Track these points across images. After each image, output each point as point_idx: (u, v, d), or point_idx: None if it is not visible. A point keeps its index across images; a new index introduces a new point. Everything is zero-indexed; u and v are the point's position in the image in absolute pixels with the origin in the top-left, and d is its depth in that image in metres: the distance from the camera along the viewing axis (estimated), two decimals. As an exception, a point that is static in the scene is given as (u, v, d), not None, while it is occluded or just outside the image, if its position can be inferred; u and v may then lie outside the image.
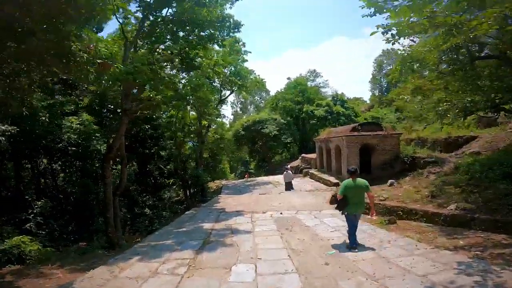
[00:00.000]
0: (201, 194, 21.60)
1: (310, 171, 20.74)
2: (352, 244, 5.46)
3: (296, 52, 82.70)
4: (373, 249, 5.26)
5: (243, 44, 24.07)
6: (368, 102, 47.26)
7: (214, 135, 24.32)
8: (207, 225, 8.26)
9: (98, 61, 5.83)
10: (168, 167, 20.26)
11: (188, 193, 20.91)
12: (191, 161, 23.13)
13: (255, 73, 26.66)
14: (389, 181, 12.77)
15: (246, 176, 30.57)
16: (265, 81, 26.40)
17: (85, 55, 5.39)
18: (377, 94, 49.49)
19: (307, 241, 6.01)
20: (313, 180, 18.85)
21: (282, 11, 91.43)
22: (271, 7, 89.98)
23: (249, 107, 62.95)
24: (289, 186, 15.29)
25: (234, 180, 32.02)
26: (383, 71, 48.32)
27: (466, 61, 10.40)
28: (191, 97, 11.38)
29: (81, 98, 16.53)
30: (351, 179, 5.67)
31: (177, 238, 6.93)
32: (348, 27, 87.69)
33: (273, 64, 78.89)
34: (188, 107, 21.48)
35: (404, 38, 12.84)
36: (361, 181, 5.68)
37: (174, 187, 23.67)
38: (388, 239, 5.75)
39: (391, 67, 47.62)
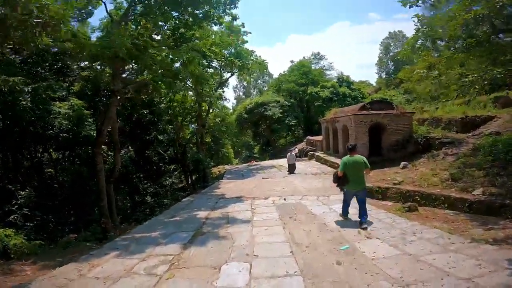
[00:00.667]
0: (202, 179, 20.97)
1: (316, 154, 19.77)
2: (344, 213, 5.88)
3: (300, 37, 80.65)
4: (394, 244, 4.36)
5: (243, 25, 22.58)
6: (374, 85, 45.33)
7: (215, 118, 23.26)
8: (202, 214, 7.47)
9: (36, 20, 4.82)
10: (168, 152, 19.49)
11: (190, 179, 20.24)
12: (192, 146, 22.31)
13: (256, 55, 25.25)
14: (402, 163, 11.87)
15: (252, 162, 29.83)
16: (267, 62, 24.94)
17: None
18: (384, 77, 47.51)
19: (314, 233, 5.13)
20: (319, 163, 17.91)
21: None
22: None
23: (252, 91, 61.31)
24: (292, 168, 14.80)
25: (238, 165, 31.34)
26: (390, 54, 46.11)
27: (488, 34, 9.19)
28: (182, 73, 10.26)
29: (73, 84, 15.71)
30: (349, 155, 5.74)
31: (166, 229, 6.14)
32: (353, 12, 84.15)
33: (277, 49, 77.16)
34: (190, 93, 20.48)
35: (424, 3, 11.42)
36: (359, 157, 5.70)
37: (176, 173, 23.05)
38: (412, 230, 4.83)
39: (399, 49, 45.44)
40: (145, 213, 16.29)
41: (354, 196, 5.75)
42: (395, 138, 14.13)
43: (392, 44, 46.32)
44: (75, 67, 15.54)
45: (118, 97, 10.68)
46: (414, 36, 13.99)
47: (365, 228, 5.17)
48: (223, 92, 27.39)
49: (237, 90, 63.91)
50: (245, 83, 63.40)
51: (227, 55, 19.83)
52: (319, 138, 23.27)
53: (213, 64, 20.73)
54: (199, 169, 18.57)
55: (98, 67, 14.15)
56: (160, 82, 10.16)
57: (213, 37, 17.87)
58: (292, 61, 39.51)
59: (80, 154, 14.10)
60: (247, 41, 23.77)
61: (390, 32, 46.72)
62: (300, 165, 17.98)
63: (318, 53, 45.21)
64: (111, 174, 11.29)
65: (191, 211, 8.03)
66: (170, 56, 9.62)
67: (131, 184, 19.33)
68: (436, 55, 15.25)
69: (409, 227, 5.01)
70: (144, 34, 9.42)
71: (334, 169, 14.67)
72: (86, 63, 14.40)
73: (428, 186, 8.54)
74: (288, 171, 14.99)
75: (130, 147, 16.35)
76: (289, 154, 15.49)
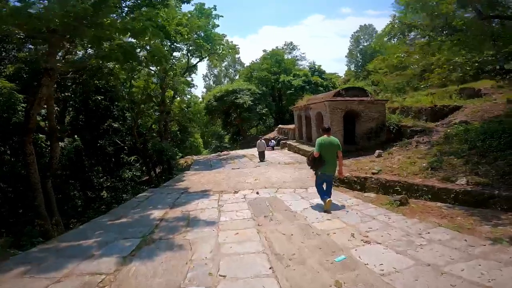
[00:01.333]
0: (168, 171, 19.25)
1: (288, 142, 19.03)
2: (321, 196, 5.66)
3: (273, 29, 79.32)
4: (402, 250, 3.48)
5: (214, 7, 20.70)
6: (343, 77, 45.90)
7: (181, 105, 21.32)
8: (157, 213, 6.13)
9: None
10: (127, 142, 17.39)
11: (154, 172, 18.38)
12: (156, 135, 20.30)
13: (227, 40, 23.53)
14: (377, 151, 11.58)
15: (223, 152, 28.38)
16: (238, 47, 23.39)
17: None
18: (353, 69, 48.38)
19: (298, 238, 4.09)
20: (291, 152, 17.18)
21: None
22: None
23: (223, 80, 59.08)
24: (262, 156, 14.82)
25: (207, 155, 29.76)
26: (360, 47, 46.89)
27: (473, 19, 8.90)
28: (133, 47, 8.51)
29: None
30: (325, 136, 5.60)
31: (105, 235, 4.73)
32: (326, 6, 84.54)
33: (249, 40, 75.31)
34: (154, 79, 18.34)
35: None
36: (333, 138, 5.65)
37: (137, 165, 20.95)
38: (416, 230, 3.99)
39: (369, 42, 46.34)
40: (100, 211, 14.33)
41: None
42: (369, 126, 13.77)
43: (362, 37, 47.03)
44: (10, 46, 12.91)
45: (52, 77, 8.63)
46: (390, 24, 13.61)
47: (328, 212, 5.32)
48: (192, 80, 25.48)
49: (207, 79, 61.30)
50: (215, 72, 61.07)
51: (196, 37, 17.93)
52: (291, 126, 22.59)
53: (179, 46, 18.70)
54: (163, 160, 16.81)
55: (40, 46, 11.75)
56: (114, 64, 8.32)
57: (179, 17, 15.92)
58: (264, 51, 38.27)
59: (12, 145, 11.67)
60: (218, 25, 21.98)
61: (360, 25, 47.54)
62: (272, 154, 17.11)
63: (291, 43, 44.41)
64: (48, 168, 9.32)
65: (144, 210, 6.63)
66: (118, 25, 7.83)
67: (83, 178, 17.04)
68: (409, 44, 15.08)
69: (410, 225, 4.18)
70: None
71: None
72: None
73: (408, 175, 8.10)
74: (259, 159, 14.78)
75: (76, 136, 14.08)
76: (258, 141, 15.28)
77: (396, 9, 10.85)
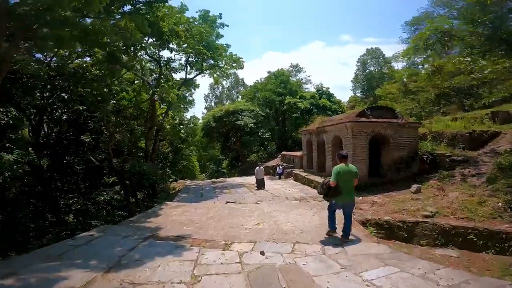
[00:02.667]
0: (152, 196, 16.28)
1: (295, 172, 16.22)
2: (331, 225, 5.33)
3: (276, 54, 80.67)
4: None
5: (219, 15, 19.11)
6: (346, 104, 44.05)
7: (171, 122, 18.72)
8: (74, 281, 3.24)
9: None
10: (102, 159, 14.60)
11: (132, 196, 15.37)
12: (141, 154, 17.53)
13: (231, 52, 21.72)
14: (414, 185, 9.13)
15: (218, 179, 25.40)
16: (243, 61, 21.46)
17: None
18: (358, 94, 46.83)
19: None
20: (299, 183, 14.33)
21: (262, 15, 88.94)
22: (250, 11, 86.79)
23: (225, 101, 57.59)
24: (261, 184, 13.29)
25: (201, 181, 26.74)
26: (367, 71, 45.70)
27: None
28: (95, 28, 6.08)
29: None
30: (343, 164, 5.14)
31: None
32: (327, 33, 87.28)
33: (253, 63, 76.41)
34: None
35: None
36: (352, 166, 5.25)
37: (117, 187, 17.93)
38: None
39: (376, 66, 45.26)
40: (59, 237, 11.26)
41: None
42: (399, 154, 11.17)
43: (369, 60, 45.72)
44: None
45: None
46: (426, 29, 11.57)
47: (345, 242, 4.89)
48: (190, 96, 23.30)
49: (209, 99, 59.85)
50: (218, 93, 59.85)
51: (195, 42, 15.89)
52: (298, 153, 19.93)
53: (173, 47, 16.31)
54: (142, 184, 13.90)
55: None
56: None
57: (177, 17, 13.99)
58: (269, 72, 36.80)
59: None
60: (222, 36, 20.24)
61: (367, 49, 46.33)
62: (275, 185, 14.25)
63: (297, 64, 43.14)
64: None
65: (63, 267, 3.76)
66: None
67: (48, 198, 14.09)
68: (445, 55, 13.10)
69: None
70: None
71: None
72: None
73: (480, 219, 5.83)
74: (256, 187, 13.29)
75: (30, 149, 11.37)
76: (257, 168, 13.62)
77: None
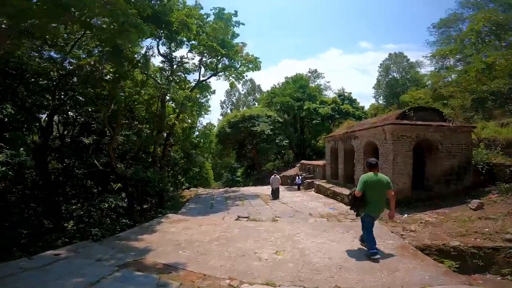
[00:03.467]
0: (158, 205, 15.04)
1: (317, 183, 14.35)
2: (373, 249, 4.29)
3: (292, 62, 78.75)
4: None
5: (235, 13, 18.03)
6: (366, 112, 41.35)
7: (182, 125, 17.46)
8: None
9: None
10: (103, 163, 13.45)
11: (136, 203, 14.12)
12: (150, 160, 16.34)
13: (247, 52, 20.48)
14: (474, 201, 7.61)
15: (231, 188, 23.85)
16: (260, 61, 20.15)
17: None
18: (381, 101, 44.04)
19: None
20: (323, 196, 12.48)
21: (277, 22, 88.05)
22: (266, 18, 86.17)
23: (241, 108, 56.58)
24: (275, 194, 12.52)
25: (214, 189, 25.31)
26: (389, 76, 42.98)
27: None
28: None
29: None
30: (372, 173, 4.58)
31: None
32: (345, 40, 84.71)
33: (269, 72, 75.17)
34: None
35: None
36: (383, 176, 4.64)
37: (124, 194, 16.83)
38: None
39: (400, 71, 42.54)
40: (50, 245, 10.12)
41: None
42: (449, 163, 9.21)
43: (392, 65, 42.89)
44: None
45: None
46: (478, 19, 9.69)
47: (376, 260, 4.11)
48: (205, 100, 22.20)
49: (225, 106, 59.03)
50: (234, 99, 59.06)
51: (208, 39, 14.71)
52: (319, 162, 18.05)
53: (184, 40, 15.10)
54: (147, 192, 12.58)
55: None
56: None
57: (189, 8, 12.90)
58: (286, 77, 35.25)
59: None
60: (238, 34, 19.13)
61: (390, 54, 43.46)
62: (295, 197, 12.48)
63: (315, 70, 41.18)
64: None
65: None
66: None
67: (48, 203, 13.17)
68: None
69: None
70: None
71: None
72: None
73: None
74: (271, 197, 12.48)
75: (22, 149, 10.36)
76: (273, 176, 12.82)
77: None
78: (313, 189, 14.84)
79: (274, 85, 36.86)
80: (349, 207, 5.13)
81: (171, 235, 6.20)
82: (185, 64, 17.91)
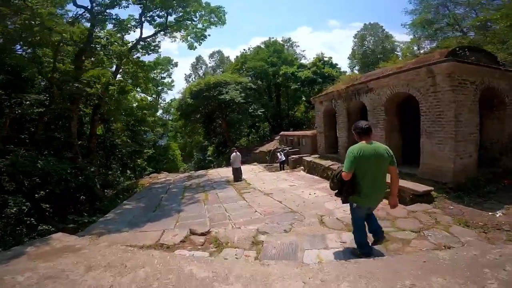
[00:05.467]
0: (90, 205, 10.70)
1: (308, 159, 10.76)
2: (364, 249, 3.09)
3: (262, 39, 75.36)
4: None
5: None
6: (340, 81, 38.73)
7: (112, 91, 12.29)
8: None
9: None
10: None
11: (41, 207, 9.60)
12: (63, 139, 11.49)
13: (207, 1, 15.61)
14: None
15: (196, 173, 19.67)
16: (224, 11, 15.59)
17: None
18: (356, 71, 41.82)
19: None
20: (317, 177, 9.02)
21: (247, 1, 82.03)
22: None
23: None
24: (237, 174, 10.51)
25: (177, 174, 20.99)
26: (363, 48, 40.74)
27: None
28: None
29: None
30: (364, 142, 2.87)
31: None
32: (313, 18, 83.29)
33: (239, 50, 72.29)
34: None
35: None
36: (380, 146, 2.90)
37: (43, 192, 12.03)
38: None
39: (375, 39, 40.14)
40: None
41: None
42: (517, 125, 5.91)
43: (368, 36, 40.51)
44: None
45: None
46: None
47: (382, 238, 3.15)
48: (169, 72, 17.09)
49: (191, 81, 52.79)
50: (201, 73, 52.90)
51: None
52: (307, 132, 14.44)
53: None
54: (55, 190, 8.14)
55: None
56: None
57: None
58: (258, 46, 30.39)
59: None
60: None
61: (365, 24, 41.06)
62: (281, 183, 8.86)
63: (289, 38, 36.83)
64: None
65: None
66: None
67: None
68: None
69: None
70: None
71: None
72: None
73: None
74: (234, 179, 10.49)
75: None
76: (234, 154, 10.88)
77: None
78: (302, 167, 11.36)
79: (244, 49, 31.97)
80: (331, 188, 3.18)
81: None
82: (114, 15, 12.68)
